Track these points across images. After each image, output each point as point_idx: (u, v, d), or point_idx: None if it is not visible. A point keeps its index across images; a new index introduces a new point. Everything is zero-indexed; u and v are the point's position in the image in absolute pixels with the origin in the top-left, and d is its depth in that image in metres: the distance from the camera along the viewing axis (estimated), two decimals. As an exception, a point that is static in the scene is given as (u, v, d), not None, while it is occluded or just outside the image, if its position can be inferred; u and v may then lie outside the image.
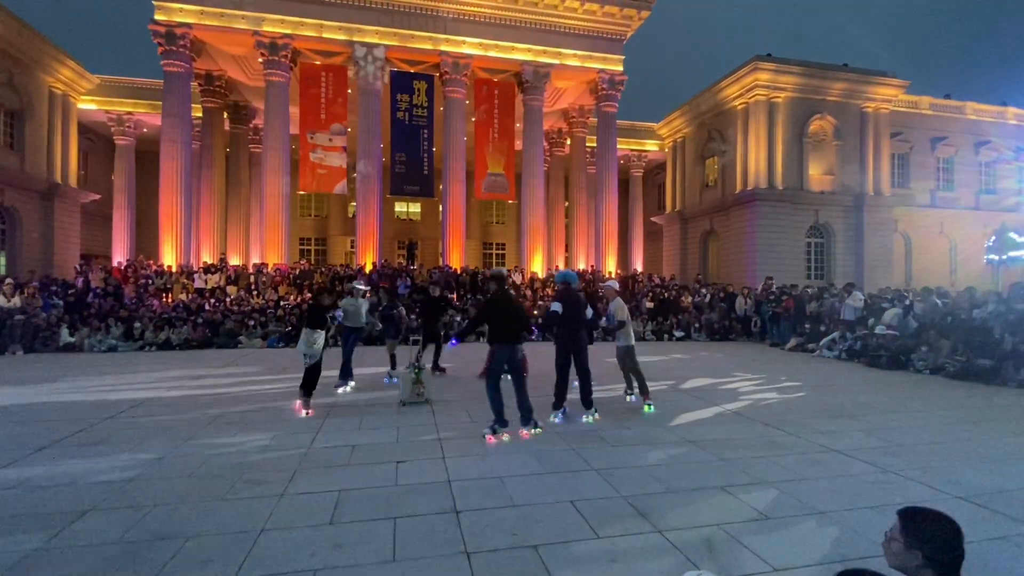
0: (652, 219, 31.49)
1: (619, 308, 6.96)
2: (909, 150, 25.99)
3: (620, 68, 21.80)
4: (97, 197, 24.11)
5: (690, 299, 18.50)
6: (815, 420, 6.32)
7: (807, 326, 14.25)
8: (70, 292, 14.99)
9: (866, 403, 7.36)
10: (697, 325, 16.98)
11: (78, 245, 22.61)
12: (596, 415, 6.19)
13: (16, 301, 12.75)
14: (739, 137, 23.42)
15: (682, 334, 16.69)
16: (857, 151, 23.53)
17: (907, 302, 12.56)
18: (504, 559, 3.04)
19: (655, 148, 30.66)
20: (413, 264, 24.03)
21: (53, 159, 21.03)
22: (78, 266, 18.46)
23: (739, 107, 23.37)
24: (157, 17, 17.97)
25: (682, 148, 28.23)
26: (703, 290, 19.22)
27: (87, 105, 23.54)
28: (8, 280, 13.41)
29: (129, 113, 24.39)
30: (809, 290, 16.31)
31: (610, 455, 4.93)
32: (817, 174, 23.14)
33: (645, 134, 30.45)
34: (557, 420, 6.07)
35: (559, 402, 6.20)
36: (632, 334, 7.03)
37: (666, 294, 18.95)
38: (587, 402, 6.21)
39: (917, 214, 25.82)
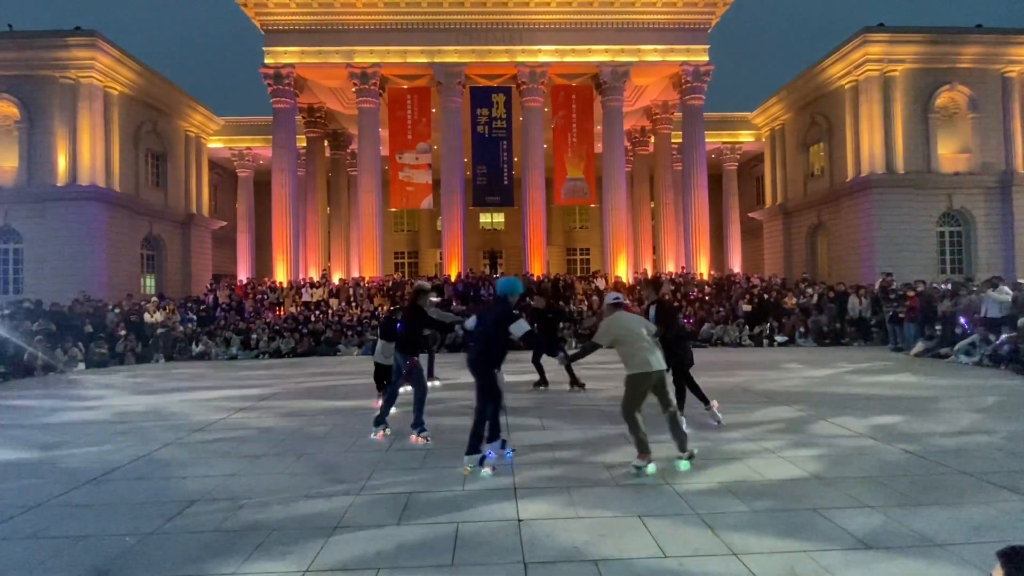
0: (750, 215, 29.34)
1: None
2: (1071, 116, 21.84)
3: (705, 58, 20.67)
4: (224, 224, 27.43)
5: (794, 300, 16.91)
6: (941, 437, 5.44)
7: (938, 328, 12.40)
8: (202, 308, 17.13)
9: (1012, 417, 6.22)
10: (803, 329, 15.47)
11: (210, 266, 25.84)
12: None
13: (159, 316, 14.83)
14: (848, 119, 21.14)
15: (784, 339, 15.31)
16: (1000, 123, 20.23)
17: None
18: (559, 571, 2.92)
19: (750, 139, 28.60)
20: (496, 273, 24.47)
21: (190, 193, 24.30)
22: (208, 285, 21.05)
23: (847, 86, 21.12)
24: (267, 61, 20.16)
25: (781, 136, 26.07)
26: (809, 290, 17.50)
27: (215, 144, 26.90)
28: (153, 298, 15.65)
29: (248, 148, 27.51)
30: (941, 286, 14.19)
31: (687, 470, 4.60)
32: (948, 153, 20.21)
33: (738, 124, 28.53)
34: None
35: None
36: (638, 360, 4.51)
37: (766, 295, 17.48)
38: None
39: (1086, 191, 21.57)
